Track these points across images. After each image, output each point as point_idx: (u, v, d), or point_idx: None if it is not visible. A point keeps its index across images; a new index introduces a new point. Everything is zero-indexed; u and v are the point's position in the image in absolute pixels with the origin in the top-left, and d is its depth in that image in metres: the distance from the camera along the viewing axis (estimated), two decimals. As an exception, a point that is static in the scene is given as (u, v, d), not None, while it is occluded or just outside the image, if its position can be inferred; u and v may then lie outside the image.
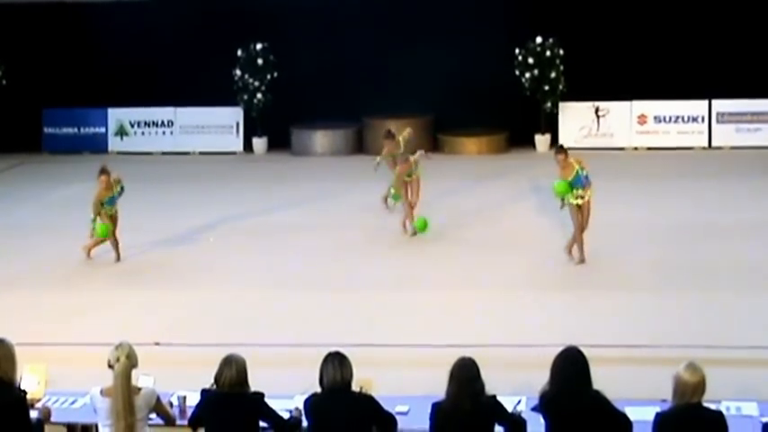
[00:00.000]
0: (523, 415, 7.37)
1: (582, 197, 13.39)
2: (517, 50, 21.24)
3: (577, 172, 13.34)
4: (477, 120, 21.58)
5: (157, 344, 11.05)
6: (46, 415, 7.61)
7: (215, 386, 7.16)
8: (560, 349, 7.06)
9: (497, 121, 21.69)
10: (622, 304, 12.30)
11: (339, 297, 12.87)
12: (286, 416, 7.42)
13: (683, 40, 21.04)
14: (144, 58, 21.96)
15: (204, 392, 7.31)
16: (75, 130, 23.04)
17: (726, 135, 21.35)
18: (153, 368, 7.97)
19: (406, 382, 9.13)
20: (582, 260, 13.66)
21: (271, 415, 7.26)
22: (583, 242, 13.62)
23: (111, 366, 7.20)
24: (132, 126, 22.92)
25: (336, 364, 7.07)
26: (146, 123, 22.90)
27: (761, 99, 21.07)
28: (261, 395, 7.23)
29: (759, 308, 11.98)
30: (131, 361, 7.21)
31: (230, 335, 11.07)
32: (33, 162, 22.09)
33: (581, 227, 13.56)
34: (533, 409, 7.30)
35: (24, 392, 7.38)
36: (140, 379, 7.62)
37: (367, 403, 7.15)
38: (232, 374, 7.08)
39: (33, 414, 7.54)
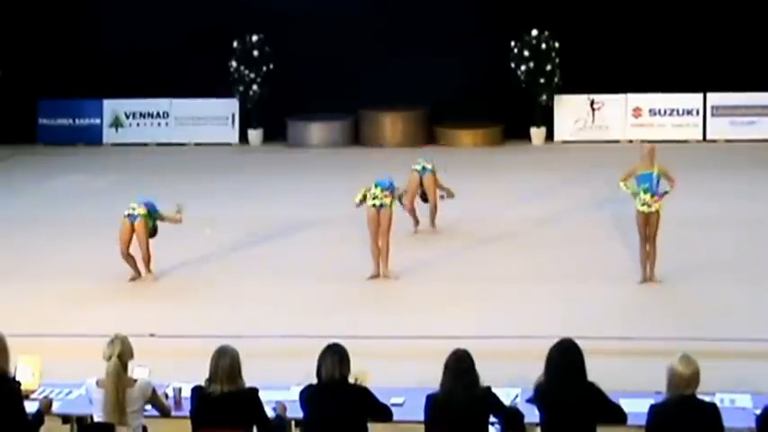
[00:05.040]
0: (518, 407, 7.39)
1: (648, 205, 12.33)
2: (513, 43, 21.22)
3: (652, 173, 12.37)
4: (473, 112, 21.56)
5: (153, 335, 11.05)
6: (47, 407, 7.61)
7: (210, 381, 7.12)
8: (556, 341, 7.09)
9: (493, 113, 21.66)
10: (617, 296, 12.32)
11: (335, 288, 12.87)
12: (270, 413, 7.36)
13: (678, 34, 21.02)
14: (139, 49, 21.90)
15: (195, 390, 7.24)
16: (70, 121, 22.95)
17: (720, 128, 21.36)
18: (148, 359, 7.97)
19: (401, 374, 9.13)
20: (645, 279, 12.49)
21: (260, 415, 7.20)
22: (648, 257, 12.46)
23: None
24: (127, 117, 22.84)
25: (336, 360, 7.06)
26: (141, 115, 22.84)
27: (755, 92, 21.06)
28: (255, 390, 7.22)
29: (753, 300, 12.00)
30: (123, 359, 7.21)
31: (226, 326, 11.08)
32: (28, 153, 22.02)
33: (644, 237, 12.40)
34: (528, 401, 7.34)
35: (18, 383, 7.38)
36: (136, 370, 7.62)
37: (361, 395, 7.17)
38: (225, 365, 7.05)
39: (31, 406, 7.54)
